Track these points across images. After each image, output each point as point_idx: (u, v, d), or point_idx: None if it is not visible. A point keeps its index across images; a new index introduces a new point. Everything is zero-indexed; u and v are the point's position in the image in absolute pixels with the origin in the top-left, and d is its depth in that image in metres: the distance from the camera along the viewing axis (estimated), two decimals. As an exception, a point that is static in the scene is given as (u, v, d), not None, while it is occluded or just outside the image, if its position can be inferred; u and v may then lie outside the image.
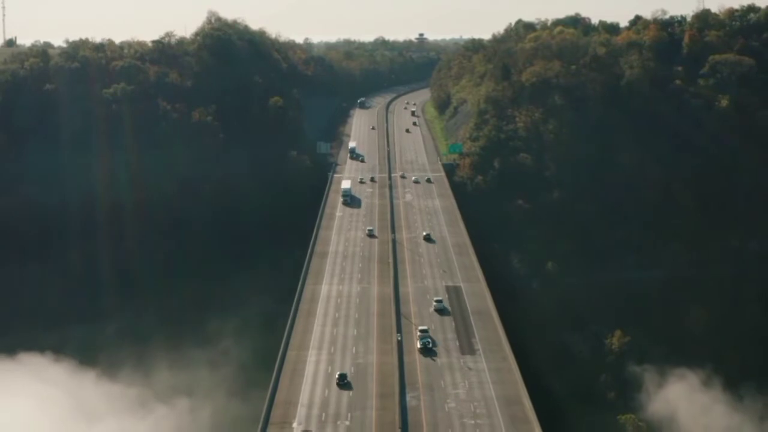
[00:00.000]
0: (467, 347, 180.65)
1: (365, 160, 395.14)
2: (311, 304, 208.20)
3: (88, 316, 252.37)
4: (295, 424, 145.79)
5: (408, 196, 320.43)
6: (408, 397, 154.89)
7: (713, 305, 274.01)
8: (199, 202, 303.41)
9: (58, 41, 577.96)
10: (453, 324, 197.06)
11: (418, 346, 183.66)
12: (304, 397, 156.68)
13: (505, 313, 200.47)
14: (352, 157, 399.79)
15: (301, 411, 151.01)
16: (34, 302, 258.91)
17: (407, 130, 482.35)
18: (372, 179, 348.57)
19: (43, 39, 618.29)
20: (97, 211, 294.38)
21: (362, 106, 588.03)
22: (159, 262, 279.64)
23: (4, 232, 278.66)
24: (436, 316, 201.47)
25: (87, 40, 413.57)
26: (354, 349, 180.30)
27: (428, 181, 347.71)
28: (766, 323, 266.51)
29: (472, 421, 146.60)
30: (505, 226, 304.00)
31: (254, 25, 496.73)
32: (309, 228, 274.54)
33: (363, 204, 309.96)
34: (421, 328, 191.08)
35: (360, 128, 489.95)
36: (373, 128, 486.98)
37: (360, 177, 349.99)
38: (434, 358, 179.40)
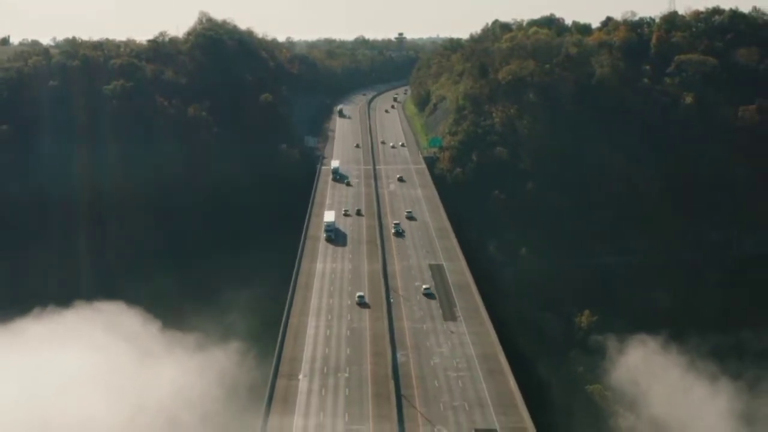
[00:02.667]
0: (449, 314, 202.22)
1: (350, 182, 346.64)
2: (308, 279, 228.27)
3: (100, 292, 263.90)
4: (300, 376, 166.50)
5: (392, 186, 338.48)
6: (398, 355, 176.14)
7: (676, 289, 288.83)
8: (197, 191, 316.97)
9: (46, 39, 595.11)
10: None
11: (392, 231, 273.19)
12: (307, 355, 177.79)
13: (482, 293, 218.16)
14: (335, 179, 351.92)
15: (305, 366, 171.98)
16: (44, 283, 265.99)
17: (386, 111, 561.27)
18: (358, 212, 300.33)
19: (30, 37, 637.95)
20: (100, 199, 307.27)
21: (341, 115, 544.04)
22: (158, 247, 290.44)
23: (12, 219, 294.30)
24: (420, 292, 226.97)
25: (75, 38, 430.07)
26: (348, 316, 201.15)
27: (402, 145, 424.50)
28: (723, 303, 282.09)
29: (455, 374, 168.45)
30: (482, 215, 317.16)
31: (238, 24, 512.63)
32: (301, 214, 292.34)
33: (349, 241, 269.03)
34: (395, 222, 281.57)
35: (343, 142, 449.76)
36: (357, 146, 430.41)
37: (344, 208, 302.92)
38: (403, 239, 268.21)
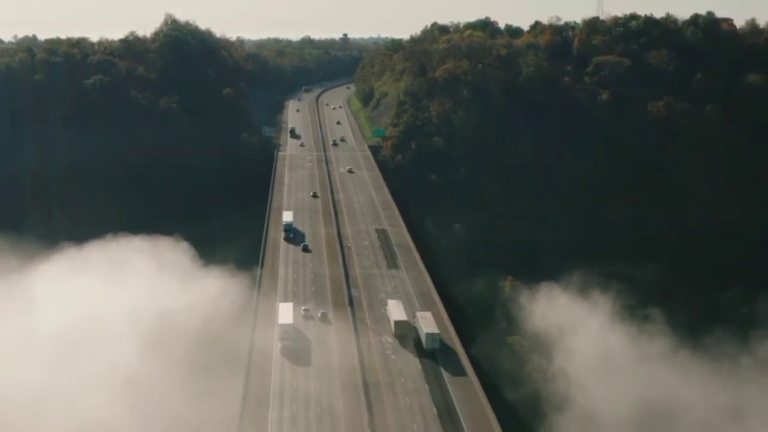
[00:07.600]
0: (392, 264, 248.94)
1: (310, 247, 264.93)
2: (275, 243, 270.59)
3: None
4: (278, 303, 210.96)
5: (341, 169, 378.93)
6: (352, 291, 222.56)
7: (590, 261, 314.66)
8: (170, 173, 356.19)
9: (7, 37, 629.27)
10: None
11: (331, 143, 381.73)
12: (280, 291, 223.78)
13: (420, 254, 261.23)
14: (287, 239, 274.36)
15: (280, 296, 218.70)
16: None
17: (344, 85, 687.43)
18: (323, 315, 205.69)
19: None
20: (86, 178, 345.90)
21: (293, 134, 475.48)
22: (140, 218, 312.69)
23: (12, 194, 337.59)
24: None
25: (35, 36, 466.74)
26: (311, 265, 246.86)
27: (340, 107, 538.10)
28: (631, 267, 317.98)
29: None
30: (420, 196, 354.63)
31: (198, 25, 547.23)
32: (263, 193, 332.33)
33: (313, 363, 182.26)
34: (333, 139, 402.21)
35: (294, 181, 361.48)
36: (314, 195, 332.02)
37: (304, 306, 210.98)
38: (337, 148, 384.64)
